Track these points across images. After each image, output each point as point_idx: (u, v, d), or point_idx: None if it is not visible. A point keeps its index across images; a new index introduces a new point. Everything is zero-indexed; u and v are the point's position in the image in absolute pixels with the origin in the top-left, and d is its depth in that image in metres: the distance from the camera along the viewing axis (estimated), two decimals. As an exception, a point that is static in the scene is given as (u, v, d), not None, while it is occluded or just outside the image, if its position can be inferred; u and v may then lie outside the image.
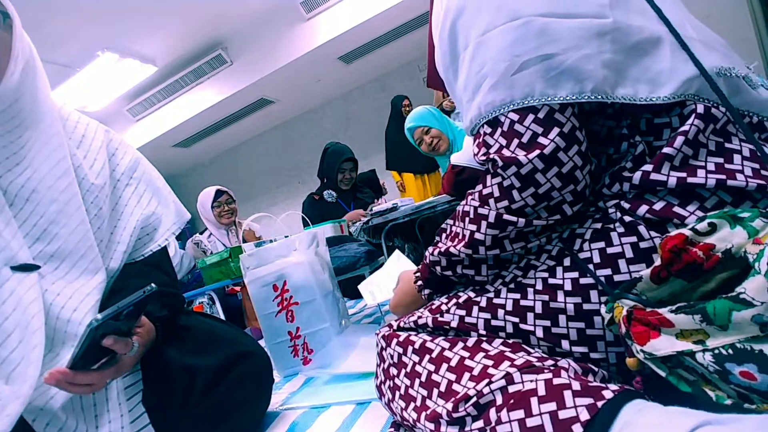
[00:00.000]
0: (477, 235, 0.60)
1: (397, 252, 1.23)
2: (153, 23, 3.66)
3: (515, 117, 0.55)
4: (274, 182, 6.29)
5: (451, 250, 0.64)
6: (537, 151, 0.53)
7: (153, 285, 0.65)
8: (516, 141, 0.55)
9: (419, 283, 0.75)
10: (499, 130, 0.57)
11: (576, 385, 0.46)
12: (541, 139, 0.53)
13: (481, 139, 0.59)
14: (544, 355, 0.55)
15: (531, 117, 0.54)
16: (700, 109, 0.52)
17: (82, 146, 0.86)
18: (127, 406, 0.76)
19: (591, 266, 0.54)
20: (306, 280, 1.29)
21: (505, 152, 0.55)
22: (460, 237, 0.63)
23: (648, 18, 0.56)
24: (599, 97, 0.53)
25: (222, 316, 2.08)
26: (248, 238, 2.66)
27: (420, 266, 0.76)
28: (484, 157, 0.58)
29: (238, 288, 2.29)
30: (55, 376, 0.61)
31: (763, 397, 0.39)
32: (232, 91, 4.51)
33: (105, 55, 3.73)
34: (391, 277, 1.11)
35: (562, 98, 0.53)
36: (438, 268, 0.68)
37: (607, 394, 0.44)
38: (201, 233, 2.74)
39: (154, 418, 0.78)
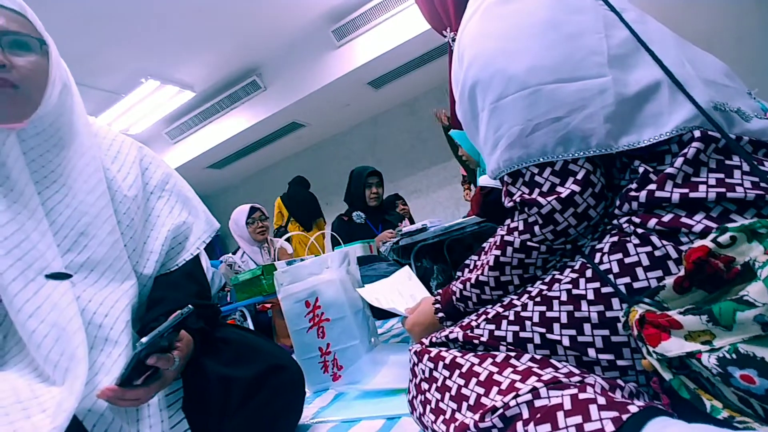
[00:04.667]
0: (503, 259, 0.67)
1: (407, 269, 1.26)
2: (193, 52, 3.86)
3: (535, 170, 0.63)
4: (302, 203, 6.40)
5: (480, 278, 0.71)
6: (555, 196, 0.61)
7: (190, 306, 0.71)
8: (537, 190, 0.63)
9: (437, 309, 0.81)
10: (520, 180, 0.65)
11: (601, 400, 0.47)
12: (559, 188, 0.61)
13: (504, 189, 0.68)
14: (573, 369, 0.56)
15: (549, 170, 0.62)
16: (697, 134, 0.56)
17: (116, 161, 0.92)
18: (167, 413, 0.80)
19: (611, 276, 0.57)
20: (337, 298, 1.31)
21: (526, 197, 0.63)
22: (485, 262, 0.70)
23: (646, 65, 0.61)
24: (603, 150, 0.59)
25: (252, 333, 2.11)
26: (281, 256, 2.69)
27: (441, 292, 0.81)
28: (510, 204, 0.66)
29: (268, 305, 2.33)
30: (106, 393, 0.66)
31: (761, 401, 0.41)
32: (265, 115, 4.68)
33: (148, 82, 3.97)
34: (398, 291, 1.13)
35: (571, 155, 0.60)
36: (454, 299, 0.76)
37: (632, 409, 0.45)
38: (234, 253, 2.71)
39: (193, 425, 0.81)
